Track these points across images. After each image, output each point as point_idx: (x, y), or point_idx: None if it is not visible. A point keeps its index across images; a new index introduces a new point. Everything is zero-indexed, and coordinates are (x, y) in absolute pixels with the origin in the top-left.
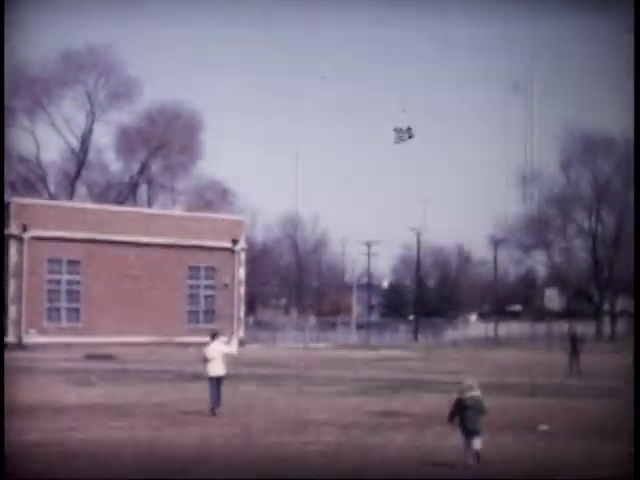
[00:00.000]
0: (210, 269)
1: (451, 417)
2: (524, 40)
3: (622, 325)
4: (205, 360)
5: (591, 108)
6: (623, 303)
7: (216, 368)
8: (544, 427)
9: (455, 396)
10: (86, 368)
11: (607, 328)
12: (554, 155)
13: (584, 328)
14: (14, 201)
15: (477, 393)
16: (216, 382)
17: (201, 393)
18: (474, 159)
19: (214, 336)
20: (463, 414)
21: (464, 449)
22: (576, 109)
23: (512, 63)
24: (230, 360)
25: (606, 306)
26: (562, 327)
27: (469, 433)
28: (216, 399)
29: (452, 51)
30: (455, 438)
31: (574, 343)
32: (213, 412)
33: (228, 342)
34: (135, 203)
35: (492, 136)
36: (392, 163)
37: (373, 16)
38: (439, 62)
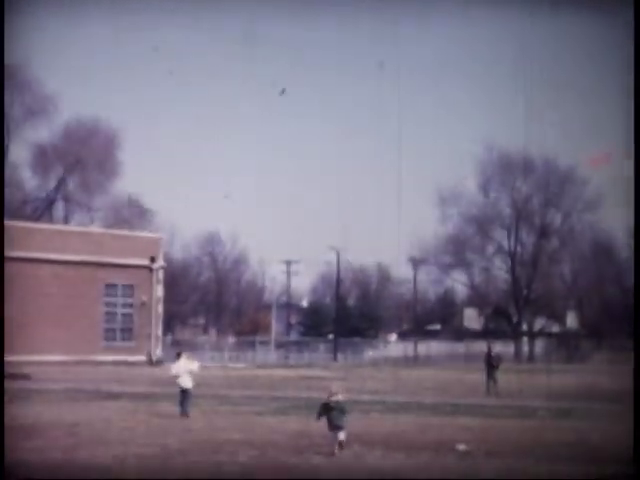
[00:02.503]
0: (127, 287)
1: (318, 416)
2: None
3: (540, 345)
4: (175, 376)
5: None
6: (541, 323)
7: (184, 382)
8: (462, 447)
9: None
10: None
11: (525, 348)
12: (473, 174)
13: (502, 348)
14: None
15: (340, 397)
16: (185, 394)
17: (117, 412)
18: (394, 178)
19: (179, 355)
20: (329, 414)
21: (331, 440)
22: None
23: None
24: (148, 380)
25: (525, 326)
26: (481, 346)
27: (334, 428)
28: (186, 407)
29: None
30: (371, 457)
31: (490, 362)
32: (185, 415)
33: (191, 360)
34: (51, 220)
35: (413, 155)
36: (312, 180)
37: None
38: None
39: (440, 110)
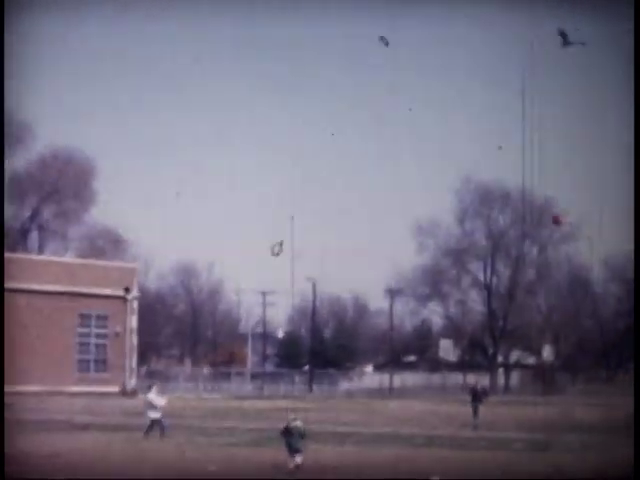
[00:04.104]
0: (101, 317)
1: (281, 437)
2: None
3: (516, 377)
4: (148, 405)
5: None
6: (517, 355)
7: (154, 413)
8: (436, 478)
9: None
10: None
11: (501, 380)
12: (450, 206)
13: (477, 379)
14: None
15: (298, 423)
16: (154, 424)
17: (90, 444)
18: (370, 208)
19: (150, 387)
20: (289, 438)
21: (288, 461)
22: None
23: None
24: (121, 411)
25: (500, 358)
26: (457, 378)
27: (293, 451)
28: (162, 431)
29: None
30: None
31: (476, 395)
32: (162, 436)
33: (159, 392)
34: (26, 249)
35: (390, 185)
36: (287, 211)
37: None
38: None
39: (418, 139)
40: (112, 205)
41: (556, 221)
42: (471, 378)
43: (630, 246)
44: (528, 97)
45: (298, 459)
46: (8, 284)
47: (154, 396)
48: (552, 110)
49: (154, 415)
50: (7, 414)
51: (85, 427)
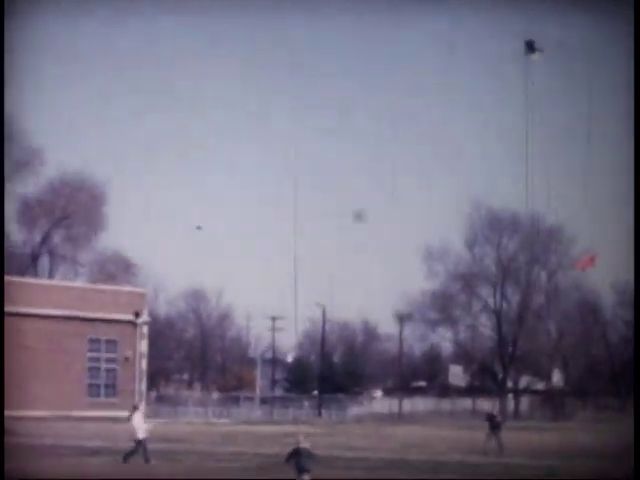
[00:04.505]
0: (111, 342)
1: (287, 459)
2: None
3: (525, 402)
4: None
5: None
6: (527, 380)
7: (139, 433)
8: None
9: None
10: None
11: (511, 405)
12: (460, 231)
13: (487, 405)
14: None
15: (307, 445)
16: (139, 445)
17: (100, 469)
18: (379, 234)
19: (135, 408)
20: (297, 458)
21: None
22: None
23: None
24: (131, 436)
25: (510, 383)
26: (466, 403)
27: (301, 470)
28: (131, 457)
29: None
30: None
31: (493, 421)
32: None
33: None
34: (36, 274)
35: (400, 210)
36: (295, 238)
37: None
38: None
39: (428, 165)
40: (121, 230)
41: (584, 265)
42: (484, 404)
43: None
44: (530, 118)
45: (306, 477)
46: (18, 308)
47: (137, 417)
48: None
49: (139, 436)
50: (15, 439)
51: (95, 452)
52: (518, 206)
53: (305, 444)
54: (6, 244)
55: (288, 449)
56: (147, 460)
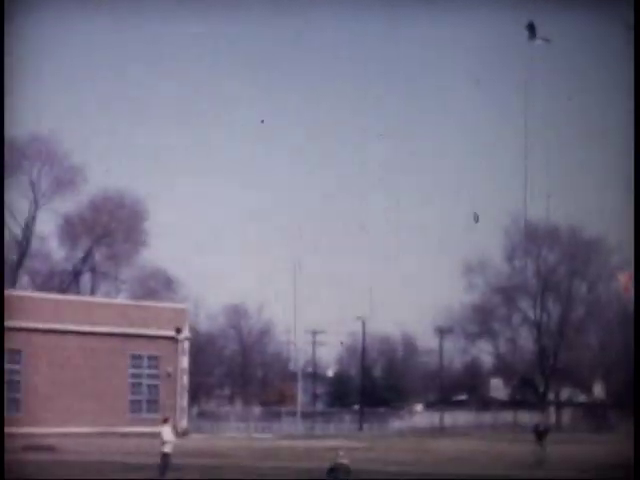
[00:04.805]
0: (153, 358)
1: (327, 475)
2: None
3: (567, 415)
4: (164, 441)
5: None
6: (568, 393)
7: (168, 447)
8: None
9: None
10: (24, 460)
11: (552, 418)
12: (499, 244)
13: (528, 418)
14: None
15: (345, 461)
16: (167, 458)
17: None
18: (418, 246)
19: (165, 421)
20: (335, 474)
21: None
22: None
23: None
24: (173, 451)
25: (551, 396)
26: (508, 416)
27: None
28: (164, 472)
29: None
30: None
31: (540, 433)
32: (162, 475)
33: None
34: (78, 291)
35: (439, 222)
36: (337, 251)
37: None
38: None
39: (465, 178)
40: (163, 246)
41: (625, 285)
42: (525, 417)
43: None
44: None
45: None
46: (61, 326)
47: (166, 430)
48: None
49: (165, 449)
50: (59, 455)
51: (138, 468)
52: (557, 218)
53: (344, 460)
54: (48, 262)
55: (328, 464)
56: (162, 474)
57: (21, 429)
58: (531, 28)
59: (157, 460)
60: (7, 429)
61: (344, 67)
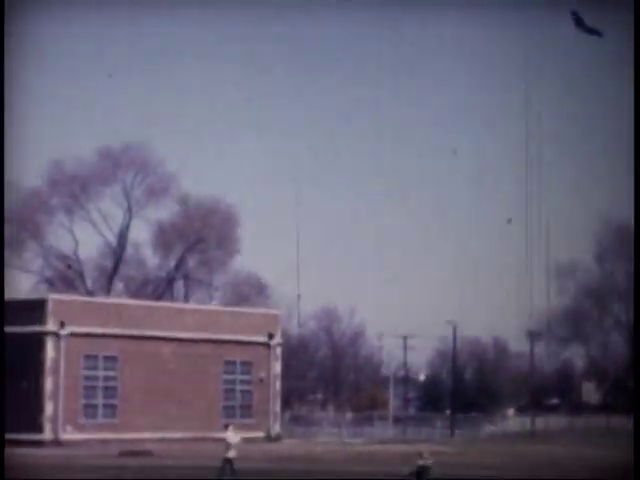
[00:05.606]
0: (246, 364)
1: (410, 475)
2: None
3: None
4: (228, 446)
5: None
6: None
7: (231, 452)
8: None
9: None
10: (122, 465)
11: None
12: (589, 247)
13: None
14: (52, 297)
15: (429, 461)
16: (229, 463)
17: None
18: (508, 250)
19: (227, 426)
20: (420, 474)
21: None
22: None
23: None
24: (266, 456)
25: None
26: (599, 421)
27: None
28: (227, 475)
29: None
30: None
31: None
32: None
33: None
34: (172, 298)
35: (527, 228)
36: (426, 257)
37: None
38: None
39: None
40: (255, 252)
41: None
42: (618, 421)
43: None
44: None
45: None
46: (156, 332)
47: (230, 435)
48: None
49: (229, 454)
50: (154, 460)
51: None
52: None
53: (428, 461)
54: (142, 269)
55: (412, 466)
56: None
57: (117, 434)
58: (577, 18)
59: (250, 465)
60: (104, 435)
61: None
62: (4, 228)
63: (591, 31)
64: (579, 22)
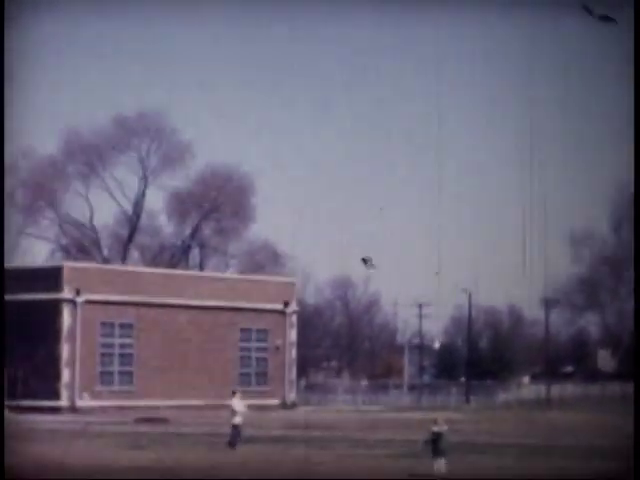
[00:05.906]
0: (262, 331)
1: (424, 444)
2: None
3: None
4: (233, 412)
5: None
6: None
7: (237, 419)
8: None
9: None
10: (138, 431)
11: None
12: (605, 215)
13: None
14: (67, 265)
15: (444, 428)
16: (236, 429)
17: (255, 456)
18: (522, 218)
19: (234, 393)
20: (434, 443)
21: (434, 465)
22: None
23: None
24: (282, 423)
25: None
26: (615, 388)
27: (438, 453)
28: (235, 441)
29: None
30: None
31: None
32: (232, 446)
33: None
34: (187, 266)
35: (543, 195)
36: (441, 225)
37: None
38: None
39: (570, 146)
40: (270, 220)
41: None
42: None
43: None
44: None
45: (441, 463)
46: (172, 300)
47: (236, 401)
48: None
49: (235, 421)
50: (172, 427)
51: (248, 440)
52: None
53: (442, 428)
54: (158, 237)
55: (426, 433)
56: (233, 445)
57: (133, 401)
58: (587, 9)
59: (266, 432)
60: (120, 402)
61: None
62: (19, 195)
63: (605, 18)
64: (590, 13)
